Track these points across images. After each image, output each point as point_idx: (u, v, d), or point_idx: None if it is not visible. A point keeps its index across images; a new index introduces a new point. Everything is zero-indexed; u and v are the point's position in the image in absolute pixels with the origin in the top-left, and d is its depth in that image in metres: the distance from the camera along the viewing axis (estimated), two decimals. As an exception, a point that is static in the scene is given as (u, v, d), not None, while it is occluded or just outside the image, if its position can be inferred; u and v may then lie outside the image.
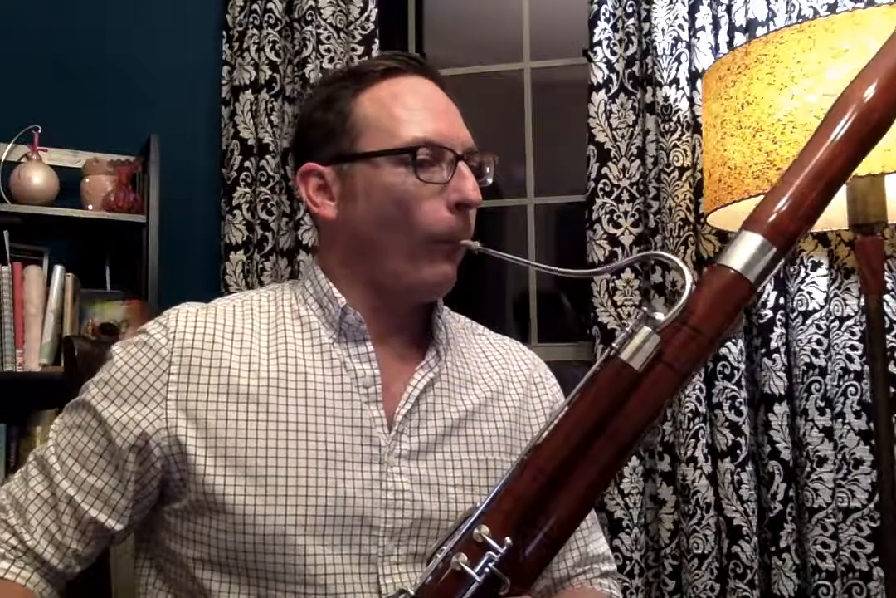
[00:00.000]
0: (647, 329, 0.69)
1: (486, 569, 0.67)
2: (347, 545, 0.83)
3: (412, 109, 0.90)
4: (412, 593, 0.70)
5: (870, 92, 0.71)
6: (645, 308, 0.71)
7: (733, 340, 1.79)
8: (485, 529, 0.68)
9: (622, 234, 1.94)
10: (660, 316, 0.70)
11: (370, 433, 0.87)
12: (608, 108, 1.97)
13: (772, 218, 0.71)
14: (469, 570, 0.67)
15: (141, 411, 0.85)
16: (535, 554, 0.70)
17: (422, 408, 0.91)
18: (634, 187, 1.96)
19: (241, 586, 0.83)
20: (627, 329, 0.70)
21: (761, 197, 1.51)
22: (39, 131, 2.10)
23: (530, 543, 0.69)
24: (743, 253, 0.70)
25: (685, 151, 1.89)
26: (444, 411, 0.92)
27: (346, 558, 0.83)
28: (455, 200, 0.88)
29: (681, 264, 0.73)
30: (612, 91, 1.98)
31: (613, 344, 0.71)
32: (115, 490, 0.85)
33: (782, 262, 0.72)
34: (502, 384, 0.99)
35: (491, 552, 0.67)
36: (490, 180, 0.95)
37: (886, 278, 1.71)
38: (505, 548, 0.67)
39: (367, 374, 0.89)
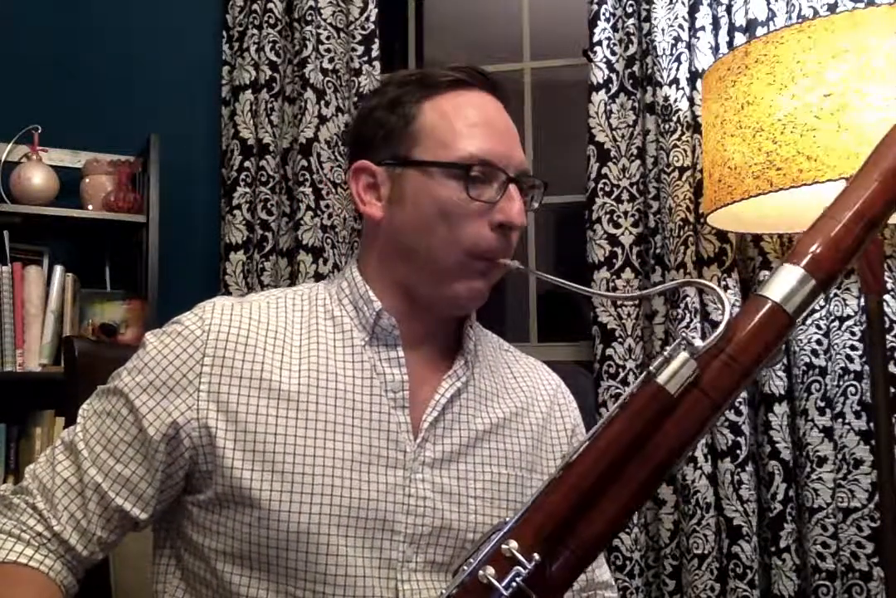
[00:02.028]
0: (684, 355, 0.70)
1: (514, 584, 0.67)
2: (369, 547, 0.84)
3: (472, 124, 0.91)
4: None
5: None
6: (683, 334, 0.72)
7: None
8: (513, 544, 0.68)
9: (622, 234, 1.94)
10: (698, 342, 0.70)
11: (396, 438, 0.88)
12: (608, 108, 1.97)
13: (813, 252, 0.71)
14: (496, 583, 0.67)
15: (173, 401, 0.85)
16: (562, 572, 0.70)
17: (447, 417, 0.91)
18: (634, 187, 1.96)
19: (260, 581, 0.84)
20: (665, 354, 0.71)
21: (761, 197, 1.52)
22: (39, 131, 2.10)
23: (557, 560, 0.70)
24: (783, 285, 0.71)
25: (685, 151, 1.89)
26: (470, 421, 0.93)
27: (367, 561, 0.84)
28: (499, 220, 0.88)
29: (720, 293, 0.73)
30: (612, 91, 1.98)
31: (651, 368, 0.71)
32: (142, 479, 0.86)
33: (822, 295, 0.72)
34: (527, 401, 1.00)
35: (519, 567, 0.67)
36: (536, 205, 0.96)
37: (886, 278, 1.71)
38: (533, 564, 0.67)
39: (396, 379, 0.90)
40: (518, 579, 0.67)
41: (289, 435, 0.84)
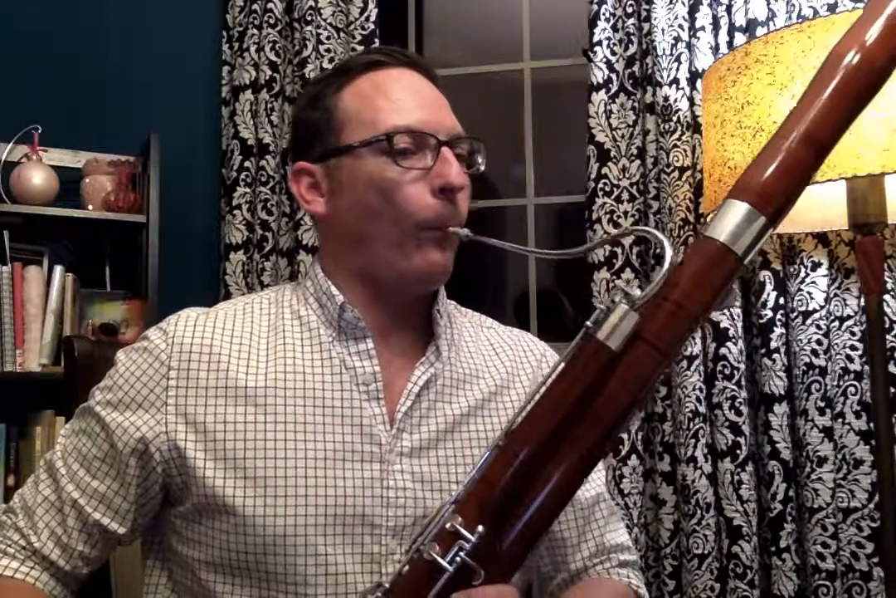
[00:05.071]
0: (623, 306, 0.66)
1: (458, 559, 0.65)
2: (350, 544, 0.83)
3: (394, 98, 0.90)
4: (387, 585, 0.70)
5: (859, 47, 0.68)
6: (619, 284, 0.67)
7: (733, 334, 1.79)
8: (458, 518, 0.66)
9: (622, 234, 1.94)
10: (637, 292, 0.66)
11: (370, 432, 0.87)
12: (608, 108, 1.97)
13: (759, 184, 0.66)
14: (440, 560, 0.65)
15: (142, 416, 0.85)
16: (514, 543, 0.67)
17: (423, 405, 0.90)
18: (634, 187, 1.96)
19: (244, 588, 0.83)
20: (602, 306, 0.67)
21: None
22: (39, 131, 2.10)
23: (509, 532, 0.67)
24: (728, 223, 0.66)
25: (685, 151, 1.89)
26: (447, 407, 0.91)
27: (350, 557, 0.83)
28: (438, 184, 0.87)
29: (662, 238, 0.69)
30: (612, 91, 1.98)
31: (588, 323, 0.67)
32: (116, 494, 0.86)
33: (772, 231, 0.67)
34: (508, 377, 0.98)
35: (462, 541, 0.65)
36: (482, 167, 0.94)
37: (886, 278, 1.71)
38: (476, 537, 0.65)
39: (367, 371, 0.89)
40: (461, 553, 0.65)
41: (258, 439, 0.84)
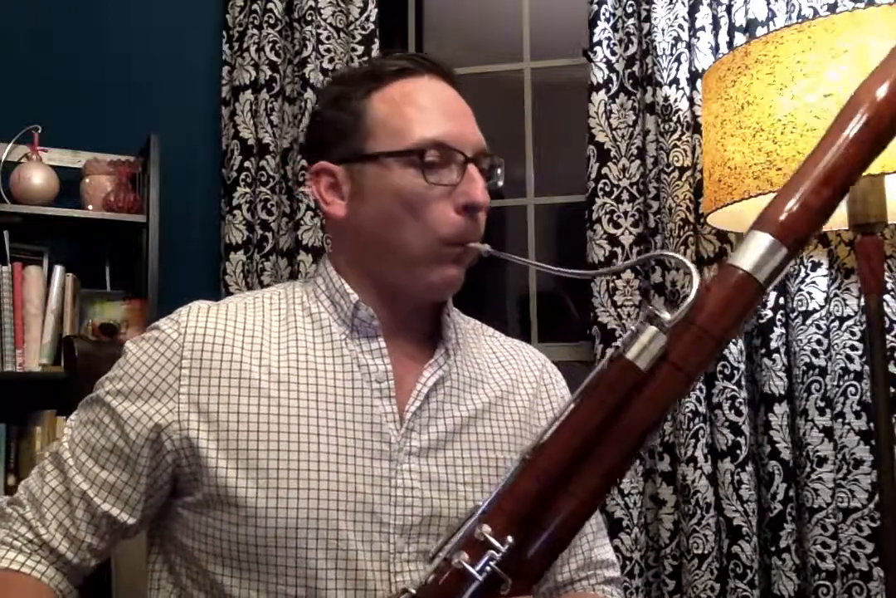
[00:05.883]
0: (653, 328, 0.68)
1: (488, 568, 0.66)
2: (361, 540, 0.84)
3: (423, 109, 0.90)
4: (413, 592, 0.70)
5: (883, 90, 0.70)
6: (651, 307, 0.70)
7: (734, 340, 1.79)
8: (486, 528, 0.68)
9: (622, 234, 1.94)
10: (666, 315, 0.69)
11: (381, 430, 0.88)
12: (608, 108, 1.97)
13: (782, 218, 0.70)
14: (470, 569, 0.66)
15: (154, 405, 0.86)
16: (538, 555, 0.69)
17: (432, 405, 0.91)
18: (634, 187, 1.96)
19: (251, 581, 0.83)
20: (633, 328, 0.69)
21: (761, 197, 1.52)
22: (39, 131, 2.10)
23: (533, 543, 0.69)
24: (752, 253, 0.70)
25: (685, 151, 1.89)
26: (454, 408, 0.92)
27: (362, 554, 0.84)
28: (463, 202, 0.88)
29: (689, 265, 0.72)
30: (612, 91, 1.98)
31: (618, 343, 0.70)
32: (126, 485, 0.86)
33: (793, 262, 0.71)
34: (512, 384, 0.99)
35: (492, 551, 0.67)
36: (500, 183, 0.95)
37: (886, 278, 1.71)
38: (507, 547, 0.67)
39: (380, 369, 0.90)
40: (492, 563, 0.66)
41: (271, 432, 0.84)
